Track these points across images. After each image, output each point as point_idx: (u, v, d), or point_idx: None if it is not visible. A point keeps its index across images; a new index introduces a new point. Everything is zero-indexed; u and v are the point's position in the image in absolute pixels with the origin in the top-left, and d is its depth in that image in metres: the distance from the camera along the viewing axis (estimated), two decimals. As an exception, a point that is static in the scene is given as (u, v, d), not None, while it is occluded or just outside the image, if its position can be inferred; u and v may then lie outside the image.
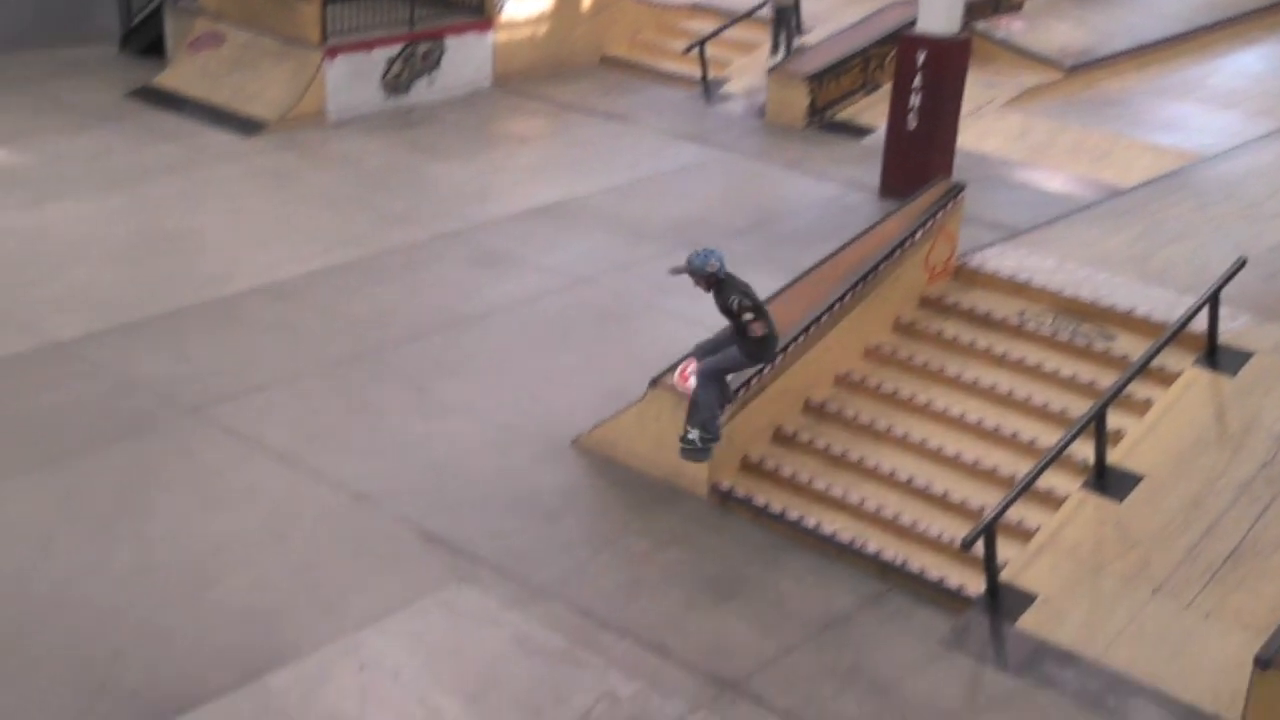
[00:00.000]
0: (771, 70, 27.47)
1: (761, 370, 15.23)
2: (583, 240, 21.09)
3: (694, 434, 13.91)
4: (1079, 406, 15.26)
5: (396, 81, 26.89)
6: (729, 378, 14.26)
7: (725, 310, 13.50)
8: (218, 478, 15.05)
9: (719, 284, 13.45)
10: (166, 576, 13.53)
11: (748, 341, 13.56)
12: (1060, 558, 13.84)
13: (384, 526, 14.38)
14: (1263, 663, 11.51)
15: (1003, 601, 13.46)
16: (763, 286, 16.87)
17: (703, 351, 14.09)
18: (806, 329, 15.81)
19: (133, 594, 13.27)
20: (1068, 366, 16.06)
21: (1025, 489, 13.87)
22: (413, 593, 13.45)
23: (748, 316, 13.28)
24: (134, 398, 16.38)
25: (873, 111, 26.37)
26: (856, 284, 16.33)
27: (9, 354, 17.11)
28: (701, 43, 28.87)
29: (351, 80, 26.23)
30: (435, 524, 14.43)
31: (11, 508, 14.39)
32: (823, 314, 15.99)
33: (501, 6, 28.37)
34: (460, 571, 13.76)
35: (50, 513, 14.35)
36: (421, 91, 27.35)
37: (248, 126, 25.01)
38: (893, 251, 16.74)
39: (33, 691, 12.08)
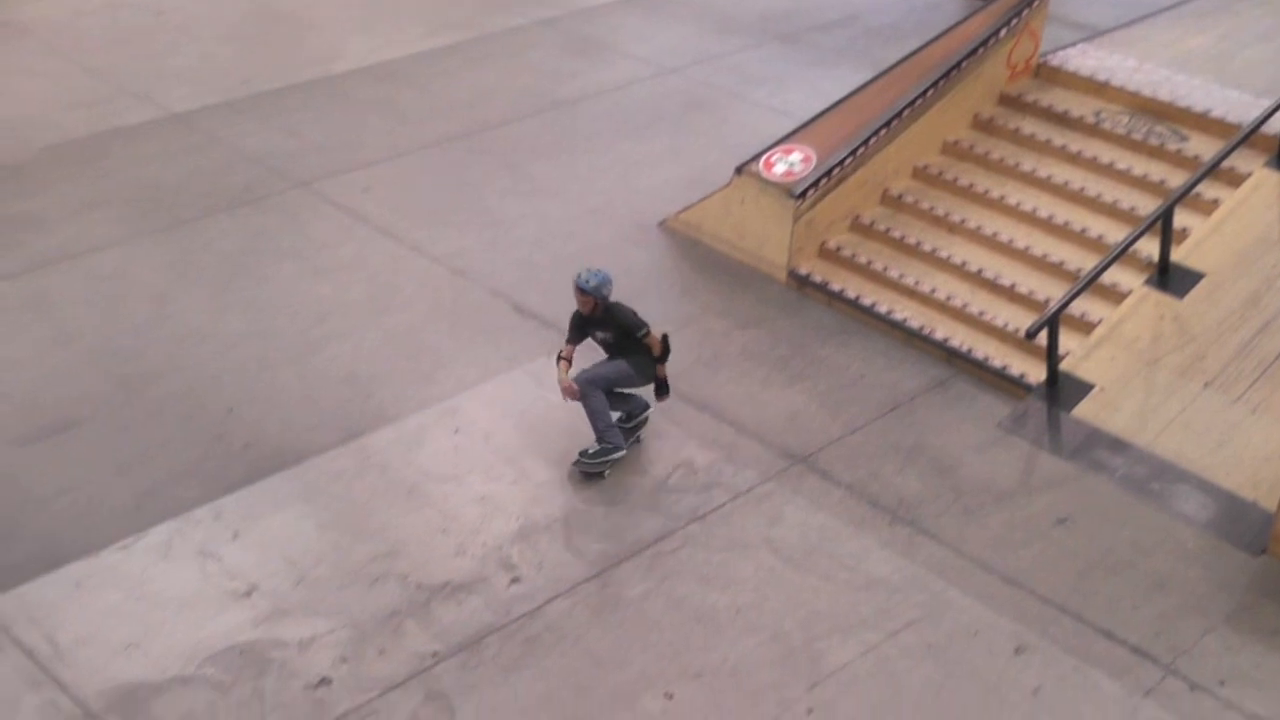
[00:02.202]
0: None
1: (843, 161, 15.28)
2: (673, 31, 20.96)
3: (591, 447, 12.46)
4: (1148, 205, 15.17)
5: None
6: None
7: (614, 331, 12.37)
8: (324, 249, 15.37)
9: (609, 307, 12.31)
10: (275, 340, 13.95)
11: (638, 356, 12.41)
12: (1119, 350, 13.89)
13: (479, 300, 14.65)
14: None
15: (1061, 390, 13.58)
16: (849, 80, 16.98)
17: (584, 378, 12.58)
18: (888, 123, 15.75)
19: (243, 355, 13.70)
20: (1140, 166, 15.89)
21: (1090, 283, 13.88)
22: (505, 363, 13.78)
23: (643, 331, 12.22)
24: (246, 170, 16.67)
25: (963, -90, 25.86)
26: (939, 80, 16.18)
27: (131, 124, 17.39)
28: None
29: None
30: (527, 299, 14.69)
31: (134, 269, 14.82)
32: (904, 108, 15.90)
33: None
34: (550, 344, 13.90)
35: (169, 275, 14.77)
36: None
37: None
38: (976, 49, 16.50)
39: (153, 441, 12.59)
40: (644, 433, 12.93)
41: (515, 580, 11.34)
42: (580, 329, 12.54)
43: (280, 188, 16.40)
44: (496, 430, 12.89)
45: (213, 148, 17.06)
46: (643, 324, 12.22)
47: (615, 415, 12.54)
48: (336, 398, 13.15)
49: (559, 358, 12.43)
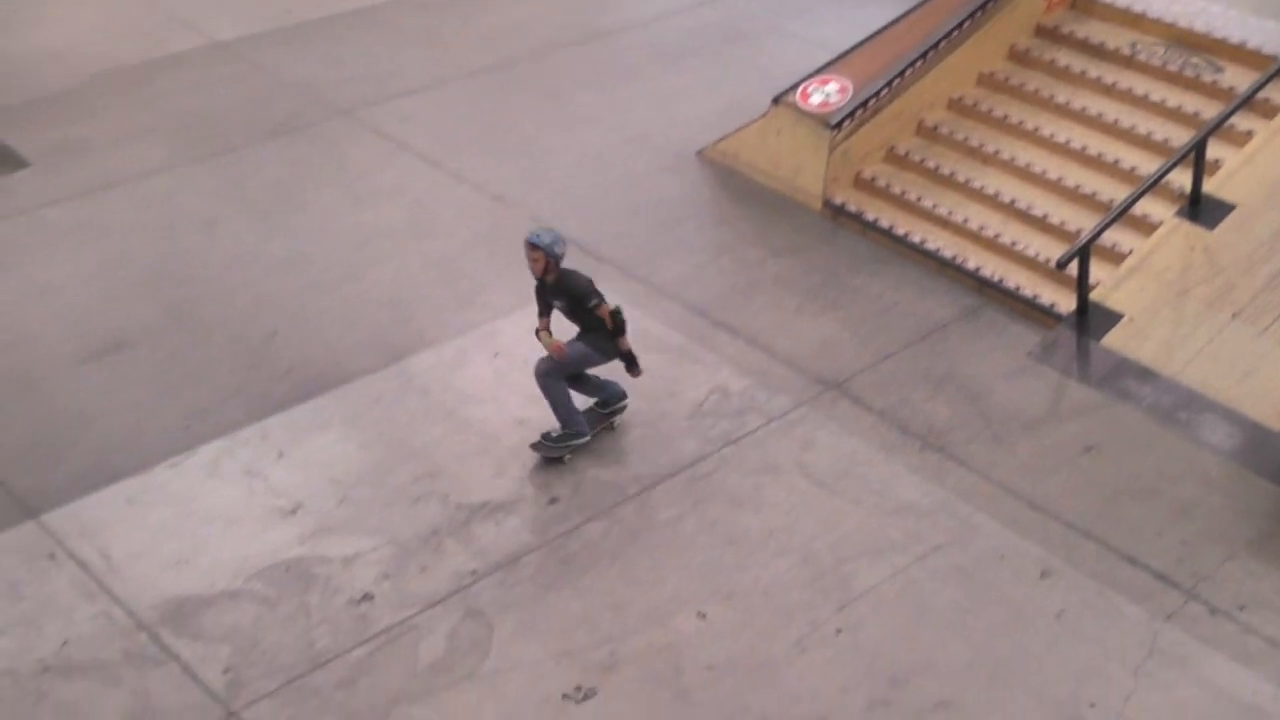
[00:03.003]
0: None
1: (879, 92, 15.25)
2: (715, -41, 20.90)
3: (555, 430, 11.92)
4: (1181, 137, 14.99)
5: None
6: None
7: (568, 300, 11.72)
8: (366, 176, 15.45)
9: (560, 273, 11.63)
10: (318, 265, 14.07)
11: (595, 332, 11.77)
12: (1148, 280, 13.84)
13: (518, 227, 14.45)
14: None
15: (1091, 319, 13.56)
16: (886, 13, 16.85)
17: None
18: (925, 54, 15.70)
19: (287, 280, 13.84)
20: (1174, 97, 15.71)
21: (1122, 213, 13.84)
22: (543, 289, 13.86)
23: (594, 301, 11.51)
24: (289, 98, 16.74)
25: None
26: (975, 12, 16.05)
27: (178, 52, 17.46)
28: None
29: None
30: (566, 226, 14.52)
31: (180, 196, 14.95)
32: (941, 40, 15.83)
33: None
34: (588, 270, 13.74)
35: (215, 201, 14.89)
36: None
37: None
38: (1012, -21, 16.42)
39: (201, 362, 12.76)
40: (677, 357, 12.99)
41: (553, 501, 11.47)
42: (541, 297, 11.88)
43: (323, 116, 16.46)
44: (535, 355, 12.78)
45: (257, 76, 17.13)
46: (594, 294, 11.57)
47: (591, 401, 12.26)
48: (378, 322, 13.26)
49: (537, 331, 11.86)
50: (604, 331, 11.72)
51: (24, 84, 16.67)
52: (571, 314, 11.85)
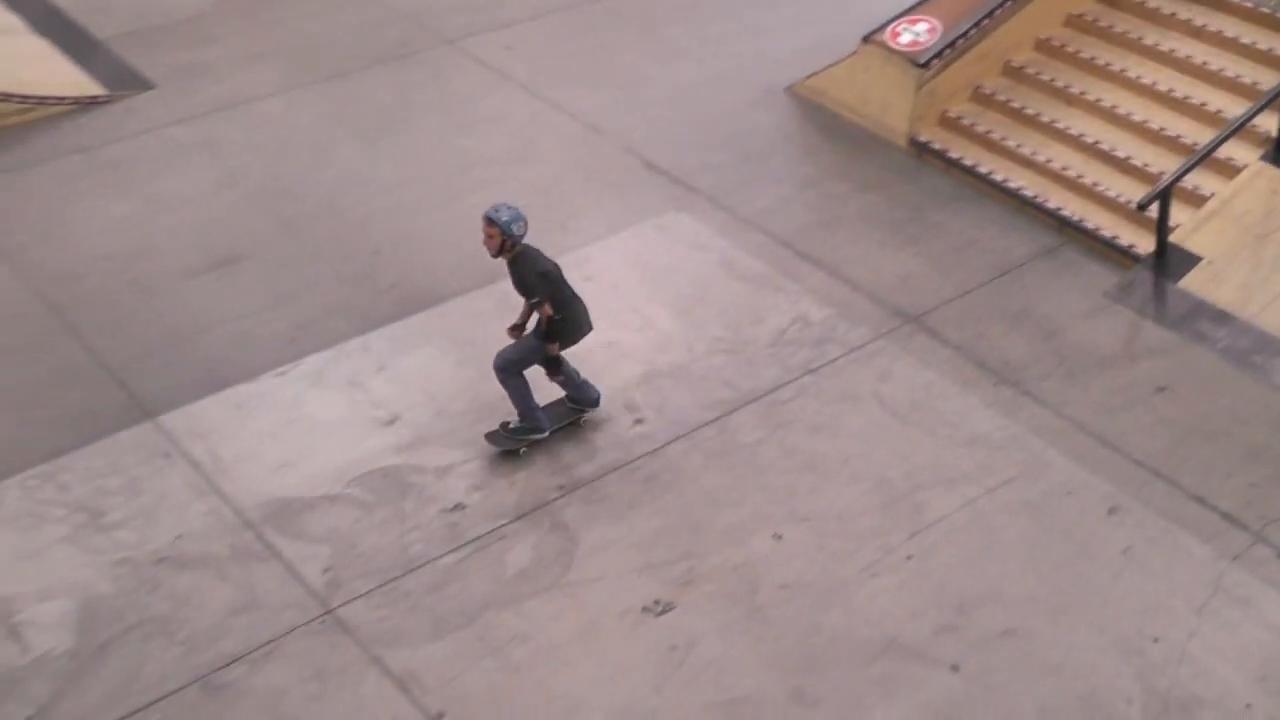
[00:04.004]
0: None
1: (967, 32, 15.03)
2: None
3: (514, 422, 11.20)
4: (1270, 80, 14.57)
5: None
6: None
7: (518, 287, 10.87)
8: (470, 103, 15.43)
9: (515, 255, 10.73)
10: (421, 187, 14.10)
11: (539, 327, 10.97)
12: (1229, 224, 13.58)
13: (613, 155, 14.68)
14: None
15: (1169, 261, 13.36)
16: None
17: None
18: (1014, -5, 15.45)
19: (392, 200, 13.88)
20: (1265, 40, 15.23)
21: (1205, 156, 13.60)
22: (635, 215, 13.84)
23: (534, 298, 10.67)
24: (397, 27, 16.73)
25: None
26: (1066, -46, 15.82)
27: (290, -19, 17.52)
28: None
29: None
30: (658, 156, 14.70)
31: (294, 117, 15.03)
32: (1031, -19, 15.58)
33: None
34: (678, 200, 14.06)
35: (327, 123, 14.95)
36: None
37: None
38: (1105, -77, 16.04)
39: (309, 277, 12.87)
40: (761, 286, 12.94)
41: (638, 421, 11.50)
42: None
43: (429, 44, 16.45)
44: (624, 280, 12.98)
45: (368, 5, 17.13)
46: (537, 289, 10.64)
47: (564, 393, 11.48)
48: (477, 243, 12.98)
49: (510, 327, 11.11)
50: (558, 328, 10.91)
51: (152, 11, 16.75)
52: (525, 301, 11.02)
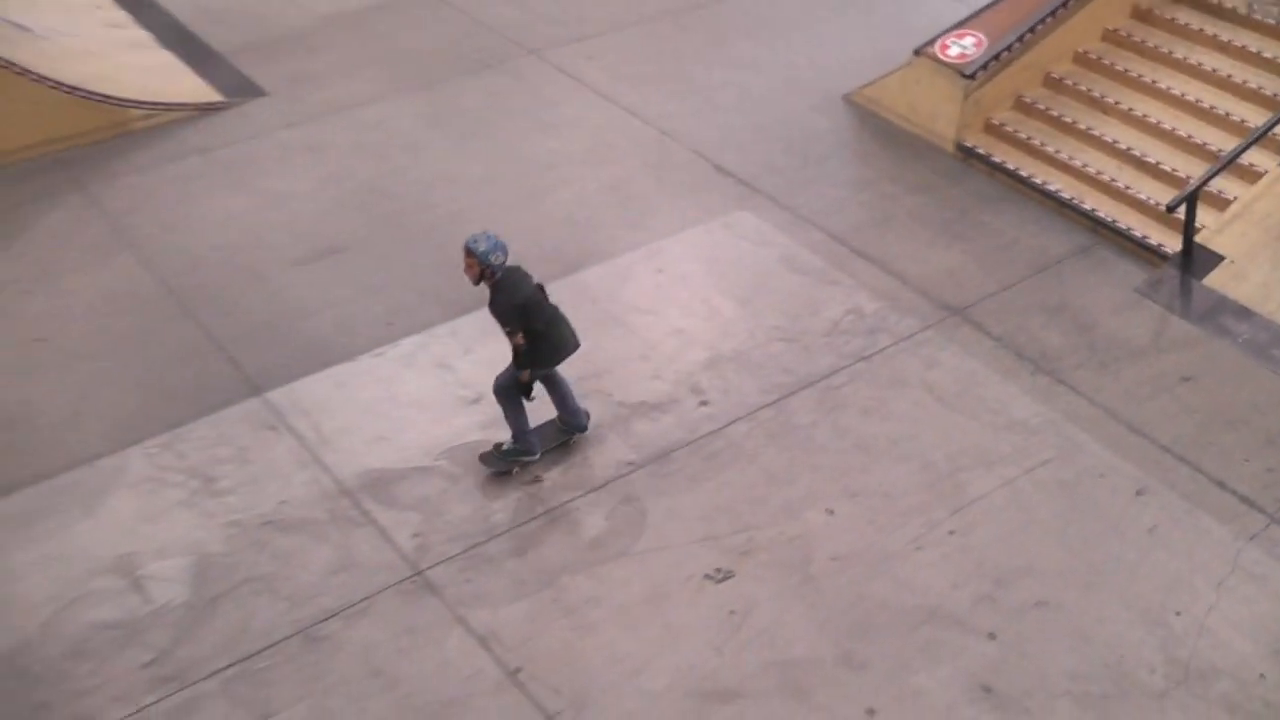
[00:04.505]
0: None
1: (1011, 45, 14.83)
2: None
3: (507, 444, 10.69)
4: None
5: None
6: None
7: (493, 313, 10.12)
8: (551, 108, 15.31)
9: (496, 284, 9.95)
10: (507, 186, 13.99)
11: (527, 351, 10.17)
12: (1251, 226, 13.36)
13: (683, 158, 14.53)
14: None
15: (1195, 260, 13.15)
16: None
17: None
18: (1054, 11, 15.22)
19: (479, 197, 13.79)
20: None
21: (1230, 162, 13.41)
22: (703, 214, 13.68)
23: (507, 329, 10.02)
24: (487, 39, 16.62)
25: None
26: (1104, -27, 15.60)
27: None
28: None
29: None
30: (725, 158, 14.55)
31: (391, 122, 14.94)
32: (1069, -1, 15.38)
33: None
34: (742, 199, 13.91)
35: (421, 127, 14.87)
36: None
37: None
38: (1138, -55, 15.82)
39: (404, 267, 12.81)
40: (818, 279, 12.77)
41: (703, 403, 11.37)
42: None
43: (515, 54, 16.34)
44: (692, 272, 12.85)
45: (459, 19, 17.04)
46: (510, 319, 9.93)
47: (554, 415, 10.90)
48: (557, 236, 13.20)
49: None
50: (532, 348, 10.14)
51: (267, 26, 16.76)
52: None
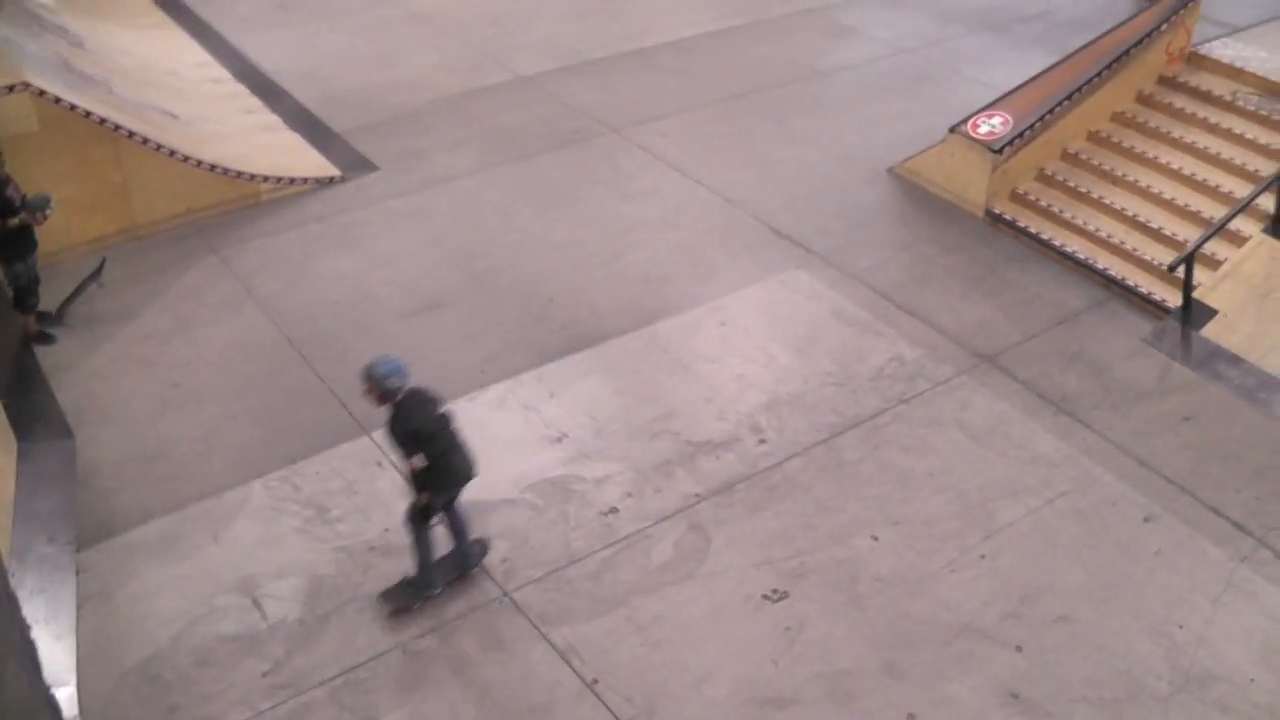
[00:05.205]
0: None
1: (1033, 125, 14.63)
2: (907, 20, 20.16)
3: (411, 575, 9.43)
4: (1269, 168, 14.42)
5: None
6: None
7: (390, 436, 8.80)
8: (629, 179, 15.12)
9: (397, 406, 8.70)
10: (588, 247, 13.78)
11: (429, 477, 8.84)
12: (1239, 284, 13.26)
13: (746, 223, 14.31)
14: None
15: (1193, 314, 12.99)
16: (1042, 61, 16.31)
17: None
18: (1070, 95, 15.08)
19: (564, 258, 13.58)
20: (1265, 136, 15.07)
21: (1220, 229, 13.29)
22: (762, 272, 13.44)
23: (404, 451, 8.71)
24: (573, 118, 16.48)
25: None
26: (1111, 63, 15.43)
27: (491, 84, 17.37)
28: None
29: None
30: (782, 223, 14.31)
31: (486, 192, 14.79)
32: (1083, 84, 15.20)
33: None
34: (797, 259, 13.66)
35: (513, 196, 14.70)
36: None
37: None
38: (1142, 39, 15.69)
39: (495, 320, 12.58)
40: (864, 330, 12.44)
41: (762, 441, 11.10)
42: None
43: (598, 132, 16.16)
44: (753, 324, 12.61)
45: (549, 101, 16.92)
46: (404, 443, 8.66)
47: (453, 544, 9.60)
48: (633, 293, 12.98)
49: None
50: (438, 472, 8.84)
51: (379, 108, 16.69)
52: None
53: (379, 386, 8.62)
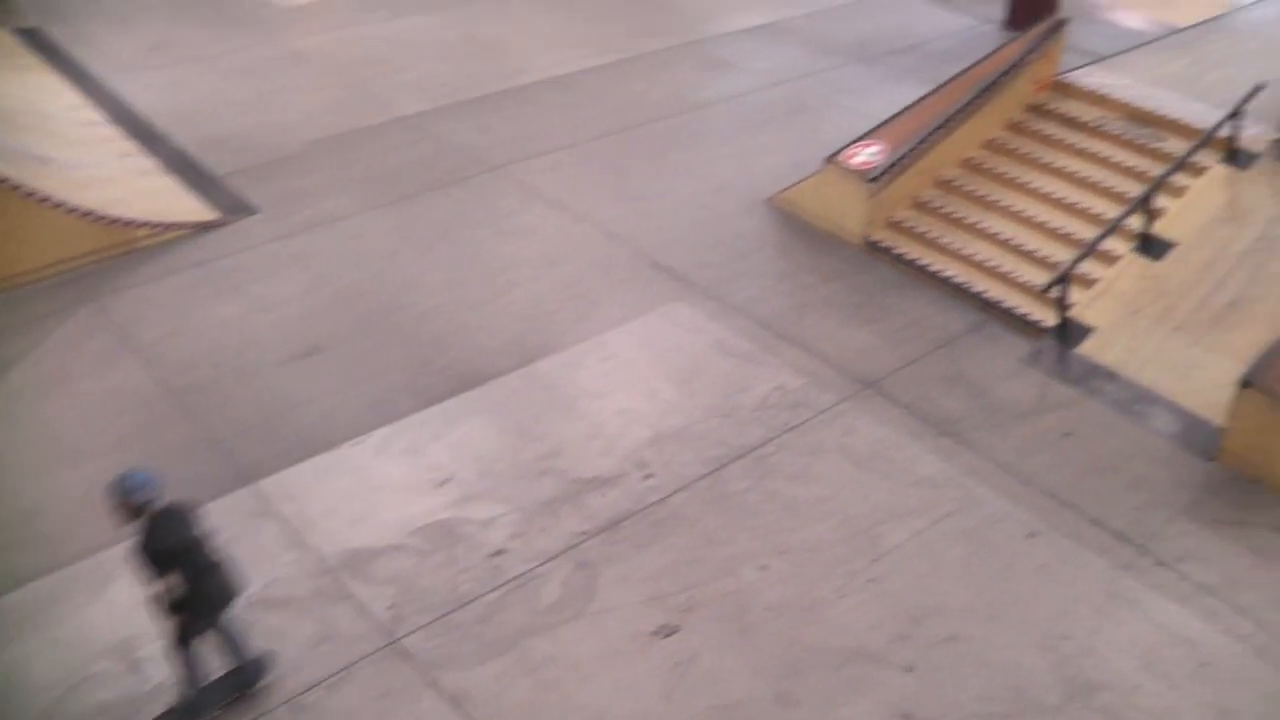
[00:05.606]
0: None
1: (908, 154, 14.75)
2: (783, 52, 20.31)
3: (175, 702, 8.57)
4: (1135, 189, 14.73)
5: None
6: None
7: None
8: (510, 217, 14.98)
9: (148, 523, 7.76)
10: (471, 287, 13.60)
11: (196, 591, 8.01)
12: (1112, 301, 13.50)
13: (626, 258, 14.23)
14: (1245, 383, 11.42)
15: (1069, 332, 13.18)
16: (915, 91, 16.49)
17: None
18: (943, 124, 15.25)
19: (447, 298, 13.39)
20: (1130, 159, 15.39)
21: (1091, 249, 13.57)
22: (644, 306, 13.37)
23: (161, 571, 7.82)
24: (454, 157, 16.31)
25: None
26: (982, 92, 15.66)
27: (372, 124, 17.13)
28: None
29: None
30: (662, 257, 14.26)
31: (370, 232, 14.55)
32: (955, 113, 15.39)
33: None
34: (678, 292, 13.61)
35: (395, 237, 14.48)
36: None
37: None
38: (1010, 69, 15.96)
39: (379, 363, 12.34)
40: (746, 361, 12.42)
41: (647, 476, 11.00)
42: None
43: (478, 171, 16.00)
44: (636, 359, 12.51)
45: (430, 141, 16.74)
46: (161, 563, 7.76)
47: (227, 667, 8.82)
48: (516, 331, 12.83)
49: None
50: (193, 600, 8.02)
51: (259, 150, 16.37)
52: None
53: (127, 502, 7.68)
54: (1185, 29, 19.66)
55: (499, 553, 10.10)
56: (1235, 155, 15.11)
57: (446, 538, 10.21)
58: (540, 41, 20.26)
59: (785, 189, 15.65)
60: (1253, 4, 20.91)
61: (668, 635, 9.44)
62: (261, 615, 9.45)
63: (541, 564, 10.02)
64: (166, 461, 10.87)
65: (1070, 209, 14.88)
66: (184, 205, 14.95)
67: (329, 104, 17.72)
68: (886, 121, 15.54)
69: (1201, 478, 11.35)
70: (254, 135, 16.74)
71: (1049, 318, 13.37)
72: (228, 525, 10.23)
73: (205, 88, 18.05)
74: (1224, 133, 15.07)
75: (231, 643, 8.63)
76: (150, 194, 15.09)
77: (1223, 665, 9.55)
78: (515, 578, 9.88)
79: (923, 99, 15.90)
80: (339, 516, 10.39)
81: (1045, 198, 15.10)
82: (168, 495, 8.11)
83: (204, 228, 14.55)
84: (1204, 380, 12.39)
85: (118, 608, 9.54)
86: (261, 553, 10.02)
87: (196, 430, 11.37)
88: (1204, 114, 15.68)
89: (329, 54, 19.42)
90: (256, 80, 18.38)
